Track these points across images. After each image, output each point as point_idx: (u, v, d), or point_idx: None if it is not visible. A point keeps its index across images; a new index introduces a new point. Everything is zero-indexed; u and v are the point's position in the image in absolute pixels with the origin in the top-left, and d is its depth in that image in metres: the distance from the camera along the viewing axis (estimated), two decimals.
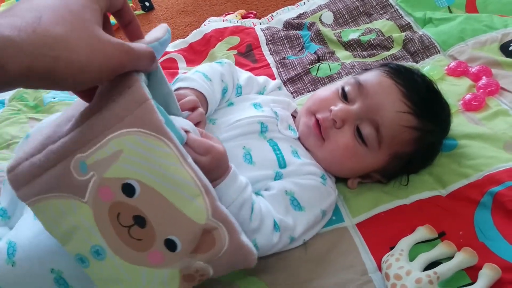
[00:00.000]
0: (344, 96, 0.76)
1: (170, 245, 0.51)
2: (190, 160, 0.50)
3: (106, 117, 0.49)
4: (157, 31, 0.56)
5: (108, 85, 0.51)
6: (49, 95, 1.19)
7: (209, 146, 0.57)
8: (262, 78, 0.89)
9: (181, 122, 0.58)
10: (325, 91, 0.80)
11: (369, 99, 0.73)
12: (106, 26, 0.49)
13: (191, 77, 0.76)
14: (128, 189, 0.50)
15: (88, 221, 0.52)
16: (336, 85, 0.79)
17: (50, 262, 0.63)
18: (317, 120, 0.76)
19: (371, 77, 0.77)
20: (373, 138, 0.72)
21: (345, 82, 0.78)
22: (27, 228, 0.66)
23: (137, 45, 0.46)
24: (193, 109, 0.68)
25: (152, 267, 0.53)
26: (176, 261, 0.53)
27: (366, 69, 0.87)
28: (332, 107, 0.74)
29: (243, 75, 0.86)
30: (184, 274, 0.54)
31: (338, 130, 0.74)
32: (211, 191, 0.51)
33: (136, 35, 0.52)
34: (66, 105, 1.14)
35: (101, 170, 0.50)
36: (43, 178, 0.51)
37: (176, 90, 0.73)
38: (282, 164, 0.71)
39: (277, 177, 0.71)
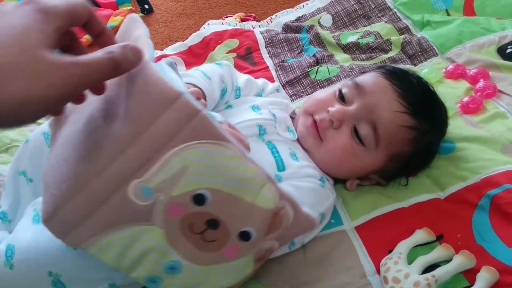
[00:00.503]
0: (342, 97, 0.77)
1: (245, 236, 0.54)
2: (248, 154, 0.51)
3: (155, 136, 0.47)
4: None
5: (140, 101, 0.48)
6: None
7: (240, 139, 0.58)
8: (260, 81, 0.90)
9: (213, 114, 0.58)
10: (323, 93, 0.81)
11: (366, 99, 0.74)
12: (73, 44, 0.45)
13: (190, 74, 0.77)
14: (199, 199, 0.50)
15: (159, 241, 0.52)
16: (334, 87, 0.80)
17: (48, 265, 0.64)
18: (314, 121, 0.76)
19: (367, 78, 0.78)
20: (370, 137, 0.73)
21: (343, 84, 0.79)
22: (26, 231, 0.67)
23: (91, 57, 0.40)
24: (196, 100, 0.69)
25: (228, 261, 0.55)
26: (250, 249, 0.55)
27: (363, 72, 0.87)
28: (330, 108, 0.75)
29: (242, 77, 0.87)
30: (257, 257, 0.57)
31: (336, 131, 0.74)
32: (271, 177, 0.53)
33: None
34: None
35: (169, 190, 0.49)
36: (95, 217, 0.49)
37: None
38: (281, 167, 0.72)
39: (276, 180, 0.71)
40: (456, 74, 0.98)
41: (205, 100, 0.74)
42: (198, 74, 0.77)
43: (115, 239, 0.51)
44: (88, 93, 0.48)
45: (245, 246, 0.54)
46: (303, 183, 0.71)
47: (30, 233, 0.66)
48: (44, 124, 0.82)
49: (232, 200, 0.51)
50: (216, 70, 0.81)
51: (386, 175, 0.78)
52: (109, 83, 0.50)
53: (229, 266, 0.56)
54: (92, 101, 0.51)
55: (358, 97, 0.75)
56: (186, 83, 0.74)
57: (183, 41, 1.31)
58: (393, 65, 1.04)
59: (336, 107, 0.75)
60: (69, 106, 0.52)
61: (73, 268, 0.64)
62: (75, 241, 0.50)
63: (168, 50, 1.30)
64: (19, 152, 0.80)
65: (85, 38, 1.48)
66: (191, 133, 0.47)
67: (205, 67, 0.81)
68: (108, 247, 0.51)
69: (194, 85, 0.74)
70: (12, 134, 1.09)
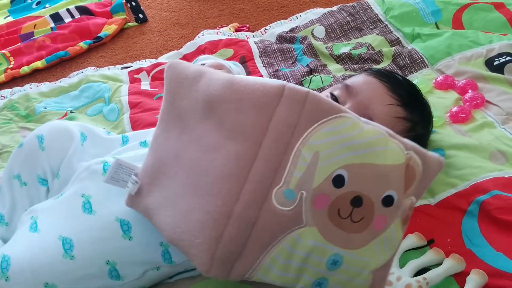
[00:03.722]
0: (335, 100, 0.78)
1: (388, 201, 0.51)
2: (361, 118, 0.51)
3: (276, 138, 0.46)
4: None
5: (242, 113, 0.48)
6: (41, 105, 1.19)
7: None
8: None
9: None
10: None
11: (359, 97, 0.76)
12: None
13: (213, 57, 0.78)
14: (339, 181, 0.49)
15: (315, 240, 0.49)
16: (324, 92, 0.82)
17: (44, 276, 0.63)
18: None
19: (356, 79, 0.81)
20: None
21: (333, 88, 0.81)
22: (22, 240, 0.66)
23: None
24: None
25: (380, 233, 0.52)
26: (396, 212, 0.53)
27: (349, 76, 0.90)
28: None
29: None
30: (402, 218, 0.54)
31: None
32: (390, 131, 0.52)
33: None
34: (58, 115, 1.14)
35: (309, 183, 0.47)
36: (251, 243, 0.47)
37: None
38: None
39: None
40: (446, 85, 1.00)
41: None
42: (221, 60, 0.77)
43: (275, 255, 0.48)
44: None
45: (390, 212, 0.52)
46: None
47: (26, 242, 0.65)
48: (39, 128, 0.82)
49: (367, 169, 0.50)
50: (233, 66, 0.80)
51: None
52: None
53: (383, 239, 0.53)
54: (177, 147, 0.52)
55: (350, 97, 0.77)
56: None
57: (178, 50, 1.33)
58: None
59: None
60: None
61: (69, 278, 0.64)
62: (240, 274, 0.48)
63: (162, 59, 1.31)
64: (13, 156, 0.80)
65: (79, 45, 1.49)
66: (309, 118, 0.47)
67: (224, 60, 0.81)
68: (271, 266, 0.49)
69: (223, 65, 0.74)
70: (4, 140, 1.08)
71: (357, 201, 0.50)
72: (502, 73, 0.99)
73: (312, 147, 0.47)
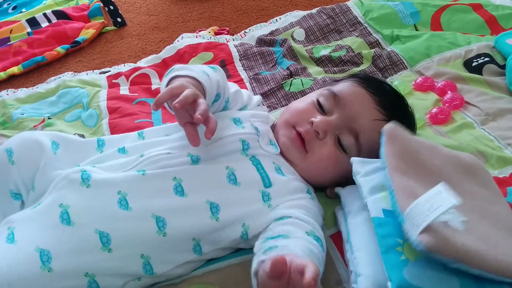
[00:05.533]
0: (321, 107, 0.78)
1: None
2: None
3: None
4: None
5: None
6: (17, 111, 1.16)
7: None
8: (245, 95, 0.88)
9: None
10: (301, 103, 0.81)
11: (346, 109, 0.76)
12: None
13: (189, 67, 0.74)
14: None
15: None
16: (310, 97, 0.81)
17: None
18: (297, 133, 0.76)
19: (344, 87, 0.80)
20: (353, 146, 0.75)
21: (319, 94, 0.80)
22: None
23: None
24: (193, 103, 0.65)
25: None
26: None
27: (336, 80, 0.89)
28: (313, 119, 0.75)
29: (231, 88, 0.84)
30: None
31: (321, 142, 0.75)
32: None
33: None
34: (35, 121, 1.12)
35: None
36: None
37: (173, 78, 0.72)
38: (267, 183, 0.72)
39: (265, 197, 0.71)
40: (425, 86, 1.01)
41: (205, 97, 0.70)
42: (198, 69, 0.74)
43: None
44: None
45: None
46: (301, 201, 0.72)
47: (2, 254, 0.63)
48: (8, 141, 0.79)
49: None
50: (212, 73, 0.77)
51: None
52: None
53: None
54: None
55: (337, 107, 0.76)
56: (186, 76, 0.71)
57: (157, 54, 1.31)
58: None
59: (319, 118, 0.75)
60: None
61: None
62: None
63: (141, 63, 1.29)
64: None
65: (56, 50, 1.46)
66: None
67: (201, 66, 0.78)
68: None
69: (195, 79, 0.71)
70: None
71: None
72: (481, 74, 1.01)
73: None
